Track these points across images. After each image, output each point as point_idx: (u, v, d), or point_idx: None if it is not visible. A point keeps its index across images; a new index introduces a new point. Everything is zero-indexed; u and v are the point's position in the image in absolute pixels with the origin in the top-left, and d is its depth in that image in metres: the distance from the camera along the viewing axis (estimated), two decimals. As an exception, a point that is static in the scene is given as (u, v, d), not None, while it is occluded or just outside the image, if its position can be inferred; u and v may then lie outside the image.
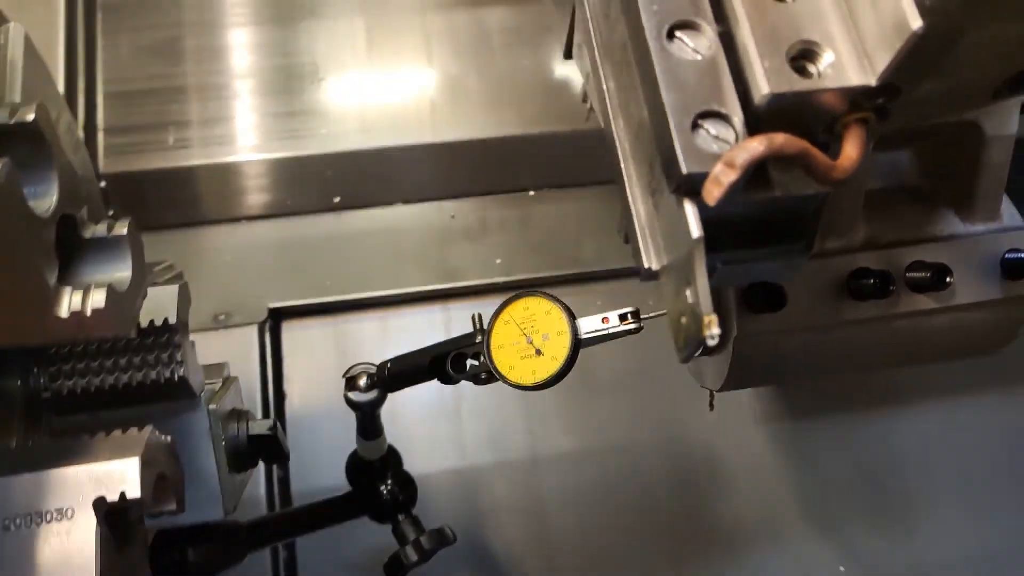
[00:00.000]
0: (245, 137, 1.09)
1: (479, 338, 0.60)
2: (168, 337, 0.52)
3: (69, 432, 0.52)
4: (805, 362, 0.45)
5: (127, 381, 0.52)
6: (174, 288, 0.54)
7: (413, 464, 1.02)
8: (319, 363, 1.05)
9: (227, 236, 1.09)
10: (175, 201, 1.08)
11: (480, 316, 0.62)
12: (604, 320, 0.54)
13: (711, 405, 0.75)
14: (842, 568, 1.04)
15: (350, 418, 1.03)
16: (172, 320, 0.53)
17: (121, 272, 0.47)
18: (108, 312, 0.44)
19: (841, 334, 0.44)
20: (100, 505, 0.43)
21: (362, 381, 0.69)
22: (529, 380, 0.57)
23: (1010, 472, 1.08)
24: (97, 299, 0.44)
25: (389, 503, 0.75)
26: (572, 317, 0.55)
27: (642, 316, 0.54)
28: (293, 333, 1.06)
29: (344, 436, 1.03)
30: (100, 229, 0.48)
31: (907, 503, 1.06)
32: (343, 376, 0.70)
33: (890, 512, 1.06)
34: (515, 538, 1.01)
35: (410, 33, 1.16)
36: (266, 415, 1.01)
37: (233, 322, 1.02)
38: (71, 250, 0.47)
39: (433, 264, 1.09)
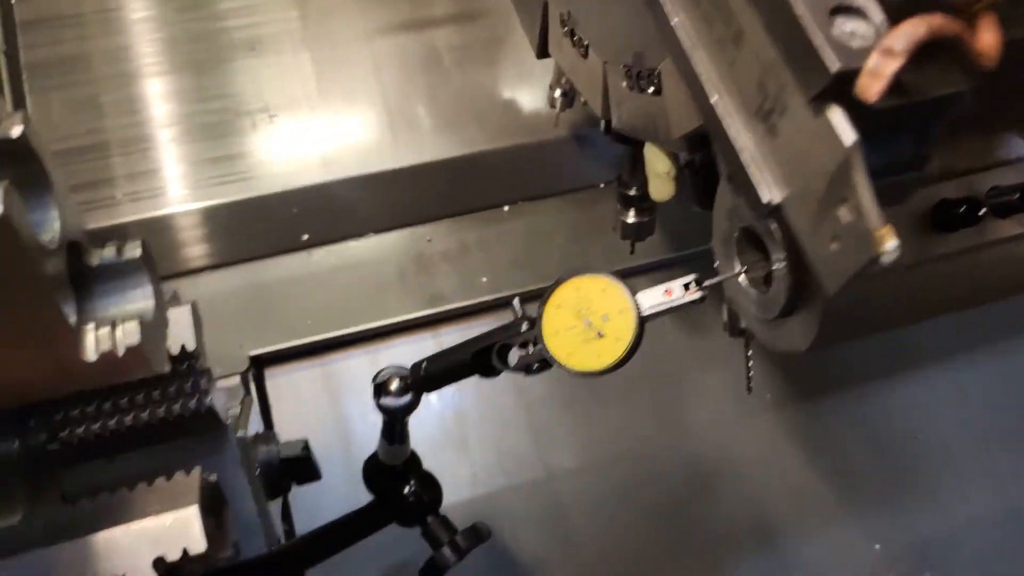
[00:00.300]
0: (203, 183, 1.04)
1: (524, 327, 0.56)
2: (189, 364, 0.47)
3: (86, 490, 0.46)
4: (900, 306, 0.42)
5: (148, 419, 0.46)
6: (185, 309, 0.48)
7: (425, 500, 0.97)
8: (309, 407, 0.99)
9: (195, 286, 1.02)
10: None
11: (521, 302, 0.58)
12: (667, 293, 0.51)
13: (749, 388, 0.72)
14: (877, 546, 1.02)
15: (350, 463, 0.98)
16: (191, 346, 0.47)
17: (144, 301, 0.42)
18: (142, 349, 0.39)
19: (934, 271, 0.42)
20: (160, 567, 0.37)
21: (394, 385, 0.65)
22: (596, 365, 0.53)
23: None
24: (130, 335, 0.39)
25: (415, 505, 0.72)
26: (632, 292, 0.51)
27: (705, 283, 0.51)
28: (278, 380, 1.00)
29: (346, 481, 0.97)
30: (109, 254, 0.43)
31: (929, 471, 1.06)
32: (372, 382, 0.66)
33: (914, 482, 1.05)
34: (540, 559, 0.96)
35: (359, 61, 1.12)
36: (262, 470, 0.94)
37: (214, 375, 0.95)
38: (82, 282, 0.42)
39: (416, 291, 1.05)
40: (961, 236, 0.42)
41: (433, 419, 1.00)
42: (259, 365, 0.99)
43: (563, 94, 0.97)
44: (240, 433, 0.54)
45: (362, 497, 0.97)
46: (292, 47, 1.11)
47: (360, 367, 1.01)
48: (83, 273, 0.42)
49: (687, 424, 1.03)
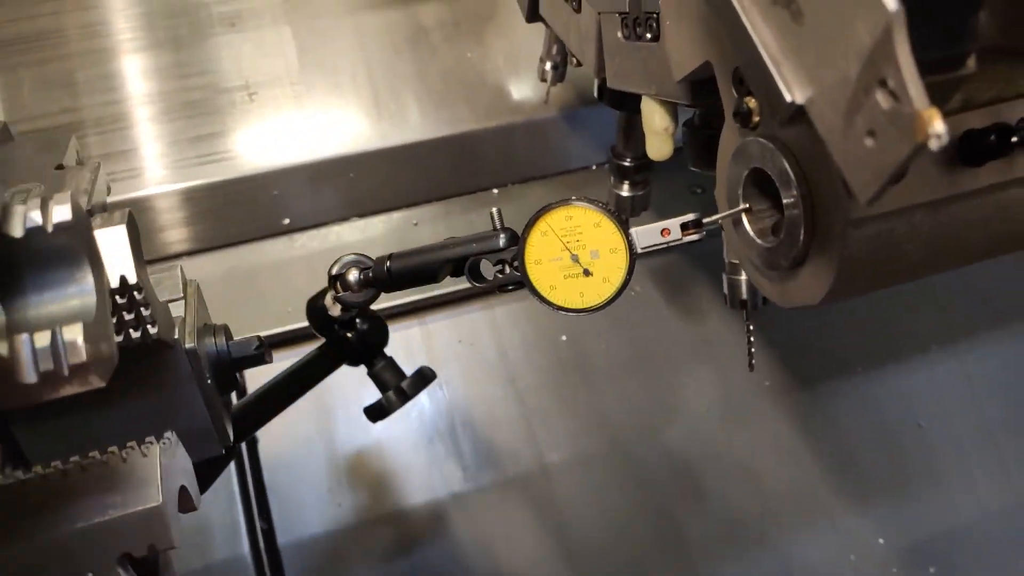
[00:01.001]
0: (180, 164, 0.99)
1: (502, 241, 0.52)
2: (130, 298, 0.41)
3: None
4: (922, 252, 0.38)
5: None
6: (120, 230, 0.41)
7: (414, 495, 0.92)
8: (291, 398, 0.94)
9: (170, 272, 0.98)
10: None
11: (500, 212, 0.54)
12: (664, 232, 0.46)
13: (751, 365, 0.68)
14: (881, 540, 0.98)
15: (332, 455, 0.93)
16: (131, 277, 0.41)
17: (83, 295, 0.35)
18: (90, 359, 0.32)
19: (961, 210, 0.38)
20: (125, 564, 0.33)
21: (352, 277, 0.59)
22: (578, 303, 0.48)
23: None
24: (72, 345, 0.32)
25: (359, 347, 0.70)
26: (627, 231, 0.47)
27: (705, 220, 0.46)
28: (258, 369, 0.95)
29: (326, 475, 0.92)
30: (34, 216, 0.34)
31: (934, 461, 1.01)
32: (328, 273, 0.60)
33: (918, 473, 1.01)
34: (533, 552, 0.91)
35: (343, 36, 1.08)
36: (239, 463, 0.89)
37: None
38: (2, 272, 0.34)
39: (402, 276, 1.00)
40: (990, 170, 0.37)
41: (421, 411, 0.95)
42: (237, 353, 0.94)
43: (554, 67, 0.93)
44: (190, 345, 0.48)
45: (347, 494, 0.93)
46: (273, 21, 1.07)
47: (344, 355, 0.97)
48: (4, 257, 0.34)
49: (683, 413, 0.99)
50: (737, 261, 0.63)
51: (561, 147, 1.09)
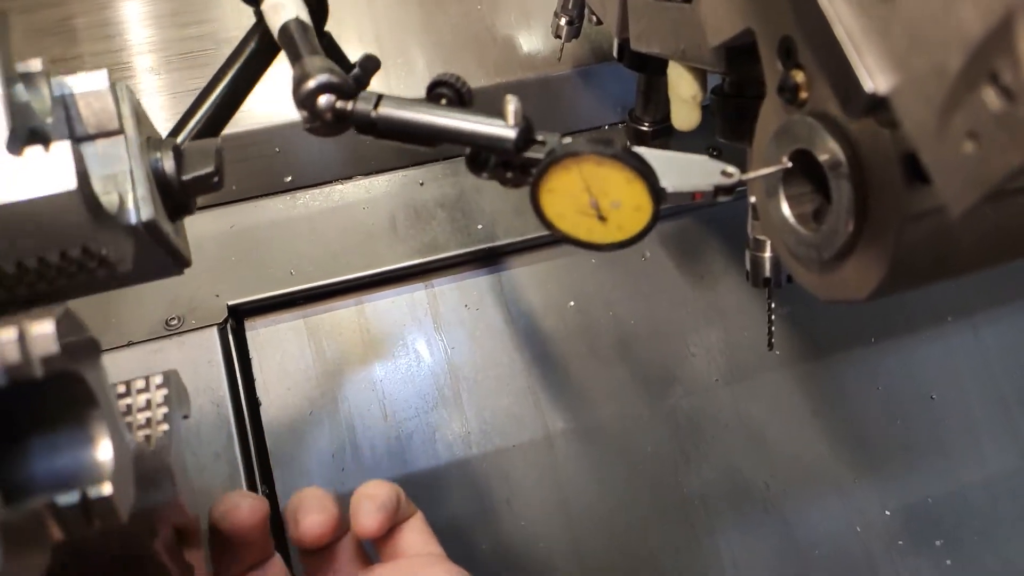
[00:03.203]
0: (173, 116, 0.95)
1: (514, 140, 0.44)
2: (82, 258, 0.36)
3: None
4: (985, 245, 0.35)
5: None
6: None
7: (417, 461, 0.91)
8: (293, 362, 0.92)
9: (168, 230, 0.95)
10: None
11: (519, 104, 0.46)
12: (696, 196, 0.42)
13: (770, 344, 0.66)
14: (888, 512, 0.97)
15: (336, 420, 0.92)
16: (93, 244, 0.36)
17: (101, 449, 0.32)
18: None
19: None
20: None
21: (324, 101, 0.45)
22: (584, 236, 0.44)
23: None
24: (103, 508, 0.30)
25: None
26: (659, 200, 0.42)
27: (742, 176, 0.42)
28: (258, 332, 0.93)
29: (331, 442, 0.91)
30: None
31: (945, 434, 1.00)
32: (292, 90, 0.46)
33: (928, 445, 0.99)
34: (536, 520, 0.90)
35: (348, -13, 1.04)
36: (240, 427, 0.87)
37: (188, 326, 0.88)
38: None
39: (407, 238, 0.98)
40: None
41: (425, 375, 0.93)
42: (238, 316, 0.92)
43: (569, 22, 0.89)
44: (146, 215, 0.38)
45: (350, 458, 0.91)
46: (274, -29, 1.02)
47: (348, 319, 0.94)
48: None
49: (691, 382, 0.97)
50: (763, 238, 0.60)
51: (574, 105, 1.05)
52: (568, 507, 0.91)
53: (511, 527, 0.90)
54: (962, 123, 0.24)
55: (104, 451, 0.31)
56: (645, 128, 0.79)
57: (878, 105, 0.28)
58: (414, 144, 0.46)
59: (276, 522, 0.86)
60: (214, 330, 0.89)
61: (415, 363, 0.94)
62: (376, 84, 0.99)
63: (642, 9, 0.57)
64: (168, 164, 0.42)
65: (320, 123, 0.45)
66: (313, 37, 0.49)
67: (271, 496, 0.87)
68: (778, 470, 0.96)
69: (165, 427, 0.38)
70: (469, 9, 1.04)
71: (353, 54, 1.01)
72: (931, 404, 1.01)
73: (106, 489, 0.30)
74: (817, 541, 0.95)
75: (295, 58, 0.47)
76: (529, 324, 0.97)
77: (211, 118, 0.58)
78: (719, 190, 0.41)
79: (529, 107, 1.05)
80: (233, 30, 0.99)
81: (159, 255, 0.43)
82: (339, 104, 0.45)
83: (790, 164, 0.39)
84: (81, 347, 0.32)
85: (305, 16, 0.51)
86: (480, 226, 0.99)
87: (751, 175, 0.41)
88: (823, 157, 0.37)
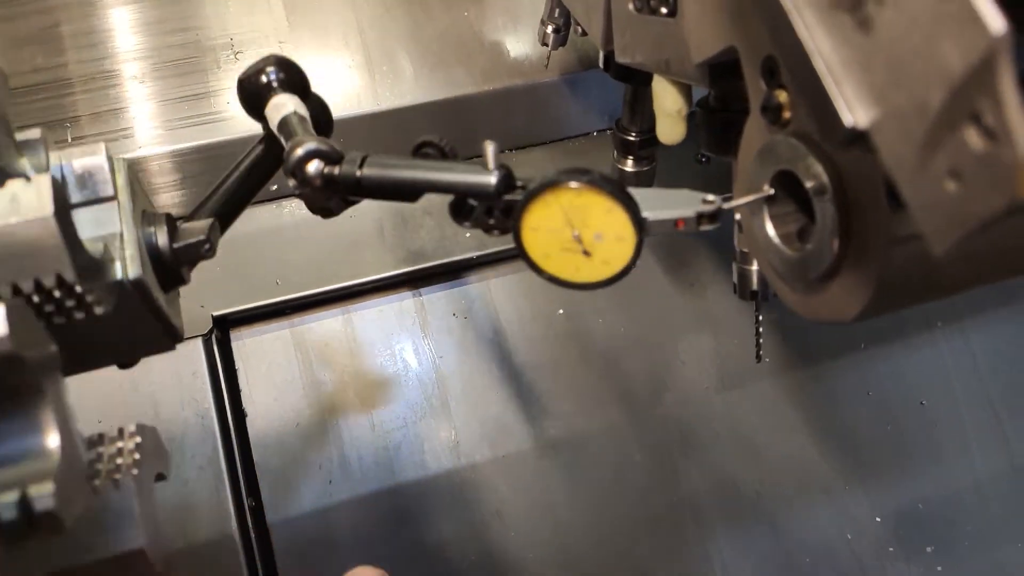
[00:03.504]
0: (154, 127, 0.95)
1: (495, 185, 0.44)
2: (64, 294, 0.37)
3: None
4: (971, 267, 0.35)
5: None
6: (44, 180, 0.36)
7: (405, 472, 0.90)
8: (280, 373, 0.91)
9: (152, 241, 0.94)
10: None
11: (496, 148, 0.45)
12: (679, 224, 0.42)
13: (758, 357, 0.66)
14: (878, 519, 0.96)
15: (323, 431, 0.91)
16: (67, 274, 0.36)
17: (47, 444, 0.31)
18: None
19: (1021, 222, 0.34)
20: None
21: (311, 169, 0.47)
22: (572, 277, 0.44)
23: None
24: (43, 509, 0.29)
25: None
26: (641, 227, 0.42)
27: (726, 205, 0.42)
28: (244, 343, 0.92)
29: (319, 453, 0.90)
30: None
31: (934, 439, 1.00)
32: (283, 158, 0.48)
33: (919, 452, 0.99)
34: (526, 531, 0.89)
35: (334, -7, 1.03)
36: (226, 439, 0.86)
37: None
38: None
39: (395, 247, 0.97)
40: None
41: (413, 383, 0.92)
42: (223, 327, 0.91)
43: (555, 30, 0.88)
44: (133, 273, 0.40)
45: (337, 471, 0.90)
46: (259, -23, 1.01)
47: (335, 328, 0.94)
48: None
49: (681, 390, 0.96)
50: (748, 250, 0.60)
51: (562, 112, 1.04)
52: (558, 517, 0.91)
53: (501, 537, 0.90)
54: (944, 161, 0.23)
55: (50, 448, 0.31)
56: (632, 138, 0.79)
57: (858, 138, 0.27)
58: (399, 200, 0.47)
59: (262, 533, 0.86)
60: (199, 341, 0.88)
61: (403, 373, 0.93)
62: (363, 92, 0.99)
63: (626, 22, 0.56)
64: (161, 236, 0.45)
65: (310, 189, 0.47)
66: (309, 125, 0.51)
67: (257, 508, 0.86)
68: (769, 478, 0.96)
69: (134, 471, 0.37)
70: (456, 16, 1.04)
71: (339, 61, 1.01)
72: (921, 410, 1.01)
73: (47, 488, 0.29)
74: (808, 548, 0.95)
75: (288, 138, 0.48)
76: (518, 332, 0.97)
77: (217, 215, 0.59)
78: (702, 217, 0.41)
79: (517, 114, 1.05)
80: (218, 37, 0.99)
81: (148, 323, 0.44)
82: (327, 169, 0.46)
83: (772, 191, 0.39)
84: (36, 346, 0.32)
85: (303, 111, 0.52)
86: (468, 234, 0.98)
87: (734, 203, 0.41)
88: (808, 182, 0.36)
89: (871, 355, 1.02)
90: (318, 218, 0.97)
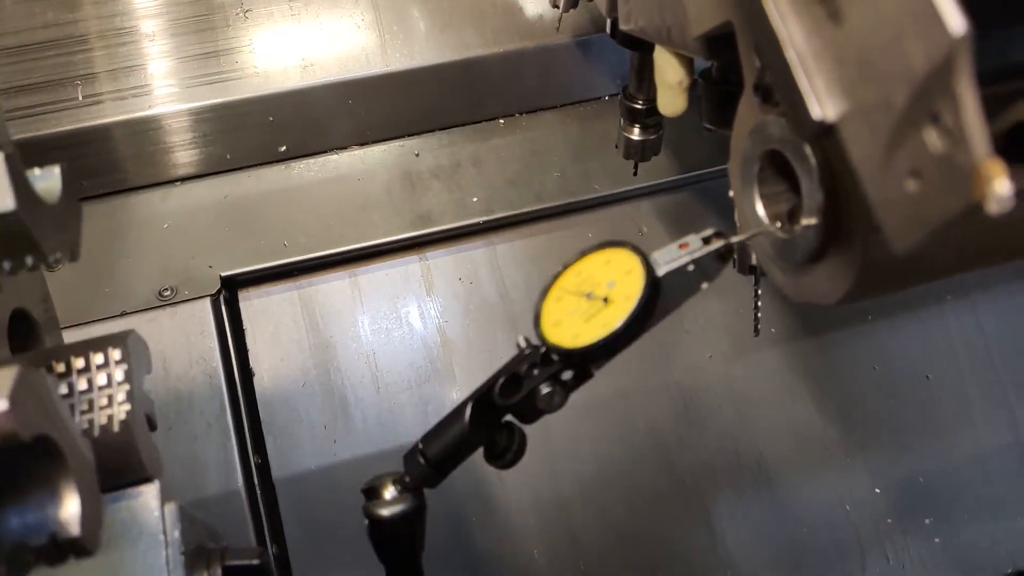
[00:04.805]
0: (166, 85, 0.94)
1: (525, 347, 0.48)
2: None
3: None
4: (955, 254, 0.34)
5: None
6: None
7: (409, 433, 0.91)
8: (287, 333, 0.92)
9: (162, 201, 0.94)
10: (96, 167, 0.93)
11: (528, 340, 0.49)
12: (683, 246, 0.43)
13: (756, 330, 0.66)
14: (878, 490, 0.97)
15: (329, 391, 0.92)
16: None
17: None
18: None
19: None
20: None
21: (388, 492, 0.51)
22: (604, 332, 0.45)
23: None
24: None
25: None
26: (646, 261, 0.43)
27: (732, 239, 0.43)
28: (252, 303, 0.93)
29: (324, 413, 0.91)
30: None
31: (939, 414, 1.00)
32: (361, 490, 0.52)
33: (921, 425, 0.99)
34: (531, 503, 0.91)
35: (344, -49, 1.01)
36: (233, 397, 0.88)
37: (181, 297, 0.89)
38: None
39: (402, 210, 0.97)
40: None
41: (418, 346, 0.93)
42: (232, 287, 0.92)
43: (567, -7, 0.87)
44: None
45: (342, 430, 0.92)
46: (269, -66, 1.00)
47: (341, 290, 0.94)
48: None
49: (685, 360, 0.97)
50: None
51: (573, 76, 1.03)
52: (559, 482, 0.92)
53: (503, 502, 0.91)
54: (905, 160, 0.23)
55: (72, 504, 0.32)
56: (639, 106, 0.78)
57: (827, 132, 0.27)
58: (473, 451, 0.51)
59: (268, 490, 0.88)
60: (207, 301, 0.89)
61: (408, 335, 0.94)
62: (372, 52, 0.98)
63: (630, -10, 0.56)
64: None
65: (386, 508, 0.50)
66: None
67: (263, 465, 0.88)
68: (770, 447, 0.96)
69: (127, 407, 0.38)
70: (467, -25, 1.02)
71: (349, 20, 1.00)
72: (926, 384, 1.01)
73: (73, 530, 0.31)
74: (807, 518, 0.95)
75: None
76: (523, 297, 0.97)
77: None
78: (705, 239, 0.42)
79: (527, 77, 1.03)
80: (228, -4, 0.98)
81: None
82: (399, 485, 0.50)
83: (778, 226, 0.39)
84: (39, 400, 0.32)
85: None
86: (475, 199, 0.98)
87: (736, 238, 0.41)
88: (794, 160, 0.36)
89: (878, 328, 1.01)
90: (326, 180, 0.98)
